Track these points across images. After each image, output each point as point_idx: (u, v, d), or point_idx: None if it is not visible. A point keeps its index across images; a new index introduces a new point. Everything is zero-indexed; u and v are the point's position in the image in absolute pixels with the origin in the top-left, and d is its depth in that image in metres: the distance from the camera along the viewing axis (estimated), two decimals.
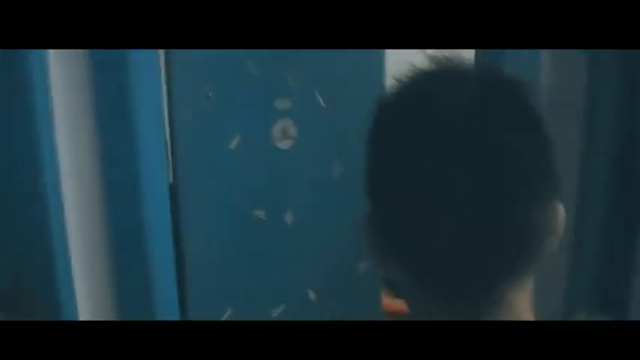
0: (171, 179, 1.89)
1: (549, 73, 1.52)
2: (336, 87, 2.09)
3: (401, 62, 0.73)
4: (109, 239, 1.66)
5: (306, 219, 2.09)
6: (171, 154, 1.92)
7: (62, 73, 1.53)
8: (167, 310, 1.78)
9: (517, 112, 0.61)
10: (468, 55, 0.73)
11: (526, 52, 1.42)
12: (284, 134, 2.05)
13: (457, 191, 0.57)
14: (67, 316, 1.58)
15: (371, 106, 0.67)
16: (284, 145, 2.06)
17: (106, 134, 1.58)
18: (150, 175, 1.68)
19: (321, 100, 2.04)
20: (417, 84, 0.65)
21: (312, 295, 2.20)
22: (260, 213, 2.06)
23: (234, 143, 1.97)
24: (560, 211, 0.64)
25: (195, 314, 1.97)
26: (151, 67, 1.64)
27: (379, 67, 2.14)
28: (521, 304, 0.64)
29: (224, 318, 2.04)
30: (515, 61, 1.14)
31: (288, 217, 2.09)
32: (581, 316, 1.52)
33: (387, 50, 2.12)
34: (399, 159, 0.61)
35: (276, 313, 2.14)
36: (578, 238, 1.62)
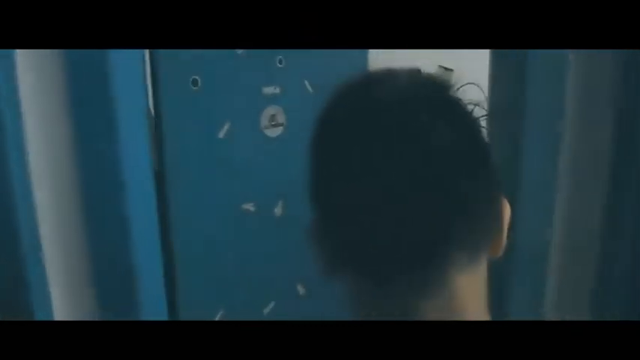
0: (157, 168, 1.81)
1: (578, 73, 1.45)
2: (323, 72, 2.01)
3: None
4: (88, 235, 1.59)
5: (297, 210, 2.01)
6: (158, 145, 1.84)
7: (35, 64, 1.45)
8: (154, 309, 1.70)
9: (450, 110, 0.64)
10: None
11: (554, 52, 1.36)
12: (273, 121, 1.97)
13: (396, 190, 0.59)
14: (40, 317, 1.49)
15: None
16: (273, 132, 1.98)
17: (83, 126, 1.50)
18: (133, 168, 1.59)
19: (309, 86, 1.96)
20: (355, 88, 0.68)
21: (301, 290, 2.13)
22: (249, 206, 1.98)
23: (223, 132, 1.89)
24: (505, 207, 0.66)
25: (185, 313, 1.89)
26: (132, 56, 1.56)
27: (365, 52, 2.08)
28: (468, 292, 0.64)
29: (217, 318, 1.96)
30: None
31: (278, 210, 2.01)
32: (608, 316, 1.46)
33: None
34: (338, 162, 0.63)
35: (267, 310, 2.07)
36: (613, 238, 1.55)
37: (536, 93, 1.39)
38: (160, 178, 1.78)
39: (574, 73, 1.37)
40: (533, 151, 1.41)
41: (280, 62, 1.96)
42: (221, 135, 1.89)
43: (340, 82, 0.69)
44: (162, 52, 1.80)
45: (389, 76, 0.67)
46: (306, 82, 1.99)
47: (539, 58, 1.36)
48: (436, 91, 0.65)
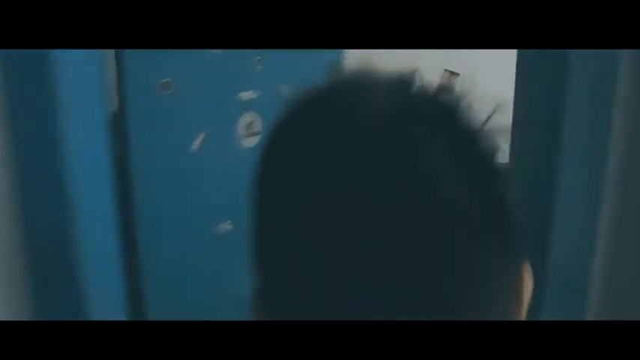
0: (120, 186, 1.63)
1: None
2: (304, 74, 1.83)
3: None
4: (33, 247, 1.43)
5: None
6: (122, 158, 1.65)
7: None
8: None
9: (443, 135, 0.46)
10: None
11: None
12: (249, 130, 1.79)
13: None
14: None
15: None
16: (250, 142, 1.80)
17: (27, 132, 1.33)
18: (90, 192, 1.42)
19: (286, 90, 1.79)
20: (319, 100, 0.50)
21: None
22: (226, 225, 1.80)
23: (196, 143, 1.71)
24: (525, 281, 0.50)
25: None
26: (88, 58, 1.38)
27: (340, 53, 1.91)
28: None
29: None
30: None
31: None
32: None
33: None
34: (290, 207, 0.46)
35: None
36: None
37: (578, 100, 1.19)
38: (124, 197, 1.60)
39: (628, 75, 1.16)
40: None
41: (258, 63, 1.78)
42: (194, 147, 1.71)
43: (301, 93, 0.50)
44: (127, 52, 1.62)
45: (371, 84, 0.50)
46: (286, 86, 1.81)
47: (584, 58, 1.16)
48: (435, 110, 0.48)
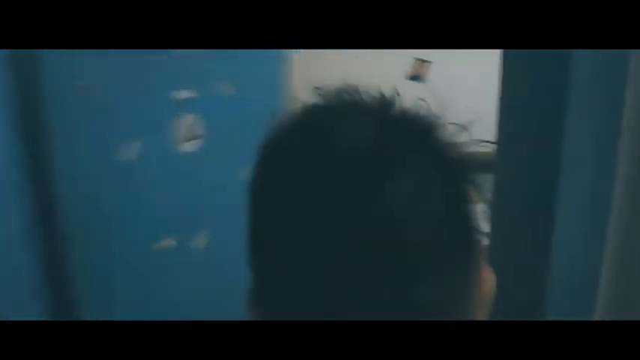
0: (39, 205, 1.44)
1: None
2: (244, 70, 1.67)
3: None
4: None
5: (221, 242, 1.65)
6: (43, 172, 1.47)
7: None
8: None
9: (416, 155, 0.53)
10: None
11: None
12: (188, 134, 1.62)
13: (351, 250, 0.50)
14: None
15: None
16: (189, 146, 1.63)
17: None
18: None
19: (225, 89, 1.62)
20: (307, 121, 0.56)
21: None
22: (169, 242, 1.62)
23: (127, 152, 1.53)
24: (486, 278, 0.58)
25: None
26: None
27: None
28: None
29: None
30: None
31: (201, 241, 1.66)
32: None
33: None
34: (282, 219, 0.53)
35: None
36: None
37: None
38: (46, 218, 1.41)
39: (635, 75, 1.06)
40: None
41: (194, 60, 1.61)
42: (125, 156, 1.53)
43: (286, 113, 0.56)
44: (45, 52, 1.43)
45: (355, 109, 0.55)
46: (226, 83, 1.64)
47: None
48: (410, 131, 0.54)
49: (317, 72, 3.77)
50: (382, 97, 0.55)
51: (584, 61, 1.09)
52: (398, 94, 0.56)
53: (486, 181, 1.19)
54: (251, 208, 0.56)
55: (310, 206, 0.51)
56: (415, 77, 3.95)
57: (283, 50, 1.76)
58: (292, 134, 0.55)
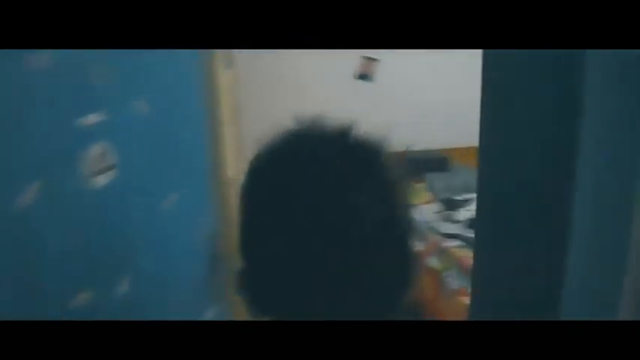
0: None
1: None
2: (158, 85, 1.44)
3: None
4: None
5: (147, 285, 1.41)
6: None
7: None
8: None
9: (372, 177, 0.71)
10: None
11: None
12: (99, 164, 1.38)
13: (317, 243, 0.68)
14: None
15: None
16: (101, 180, 1.38)
17: None
18: None
19: (139, 107, 1.38)
20: (283, 145, 0.72)
21: None
22: (84, 297, 1.37)
23: (25, 197, 1.27)
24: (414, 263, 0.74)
25: None
26: None
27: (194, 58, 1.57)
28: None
29: None
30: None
31: (123, 286, 1.41)
32: None
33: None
34: (266, 217, 0.70)
35: None
36: None
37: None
38: None
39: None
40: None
41: (100, 77, 1.36)
42: (24, 202, 1.27)
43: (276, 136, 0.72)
44: None
45: (322, 134, 0.73)
46: (140, 101, 1.40)
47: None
48: (364, 157, 0.71)
49: (259, 73, 3.56)
50: (342, 127, 0.72)
51: (584, 62, 1.03)
52: (354, 125, 0.72)
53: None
54: (241, 209, 0.72)
55: (286, 212, 0.68)
56: (363, 76, 3.75)
57: (204, 51, 1.59)
58: (273, 156, 0.72)
